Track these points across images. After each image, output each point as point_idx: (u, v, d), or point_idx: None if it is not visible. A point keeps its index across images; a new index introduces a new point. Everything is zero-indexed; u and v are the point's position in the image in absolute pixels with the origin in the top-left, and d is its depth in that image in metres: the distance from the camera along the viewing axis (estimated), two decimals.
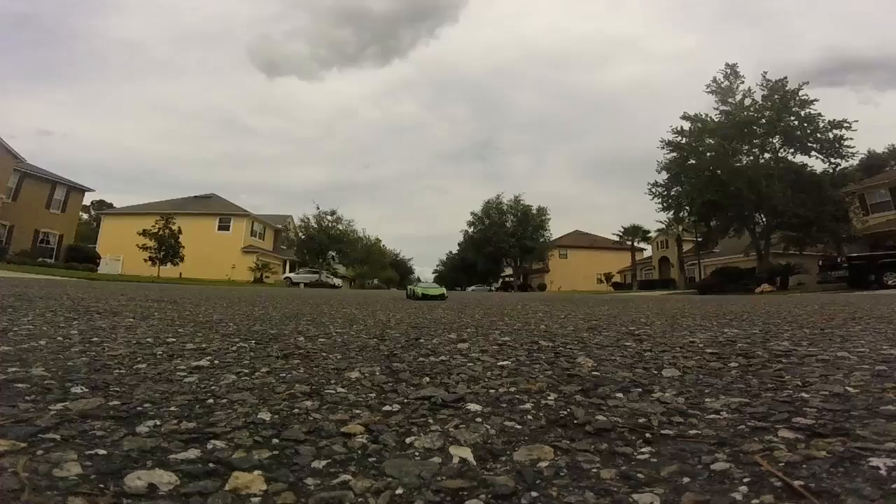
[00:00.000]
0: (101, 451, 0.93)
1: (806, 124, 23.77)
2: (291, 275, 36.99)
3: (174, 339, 2.63)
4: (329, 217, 41.67)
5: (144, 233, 25.25)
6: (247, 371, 1.80)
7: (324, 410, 1.28)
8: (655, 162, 27.02)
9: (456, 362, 2.08)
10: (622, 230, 42.11)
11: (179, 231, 26.42)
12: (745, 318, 4.55)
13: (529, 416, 1.23)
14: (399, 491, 0.78)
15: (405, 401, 1.39)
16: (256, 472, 0.84)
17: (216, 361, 2.00)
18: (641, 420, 1.18)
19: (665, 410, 1.26)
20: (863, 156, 29.15)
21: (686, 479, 0.82)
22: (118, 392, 1.41)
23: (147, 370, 1.77)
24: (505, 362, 2.07)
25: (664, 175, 26.55)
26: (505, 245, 44.00)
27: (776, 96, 24.23)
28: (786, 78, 24.36)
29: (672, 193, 26.53)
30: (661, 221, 35.61)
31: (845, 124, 23.06)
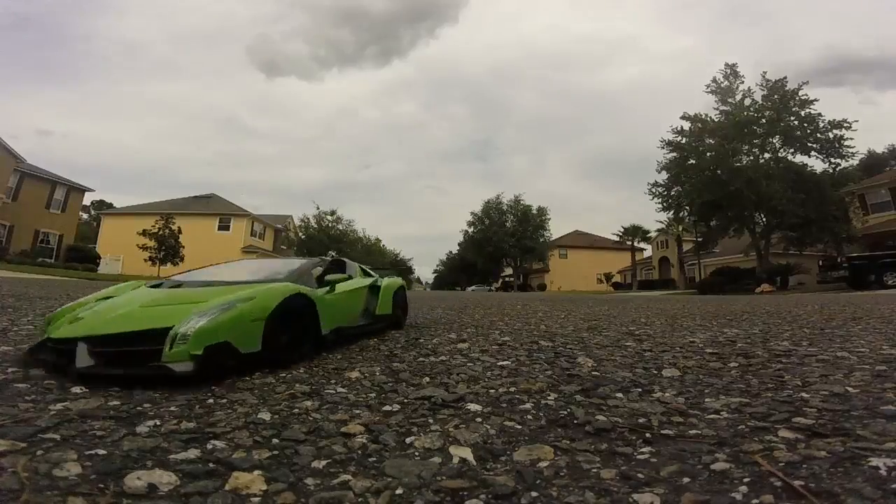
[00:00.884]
0: (101, 451, 0.93)
1: (806, 124, 23.77)
2: None
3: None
4: (329, 217, 41.69)
5: (144, 233, 25.25)
6: (247, 371, 1.80)
7: (324, 410, 1.28)
8: (655, 162, 27.04)
9: (456, 362, 2.08)
10: (622, 230, 42.15)
11: (179, 231, 26.43)
12: (745, 318, 4.55)
13: (529, 416, 1.23)
14: (399, 491, 0.78)
15: (405, 401, 1.39)
16: (256, 472, 0.84)
17: None
18: (641, 420, 1.18)
19: (665, 410, 1.26)
20: (863, 156, 29.15)
21: (686, 479, 0.82)
22: (118, 392, 1.42)
23: (147, 370, 1.76)
24: (505, 362, 2.07)
25: (664, 175, 26.56)
26: (505, 245, 44.01)
27: (776, 96, 24.24)
28: (785, 78, 24.38)
29: (672, 193, 26.54)
30: (661, 221, 35.63)
31: (845, 124, 23.08)
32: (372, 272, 3.71)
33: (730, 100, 26.01)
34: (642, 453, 0.95)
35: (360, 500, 0.76)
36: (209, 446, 0.98)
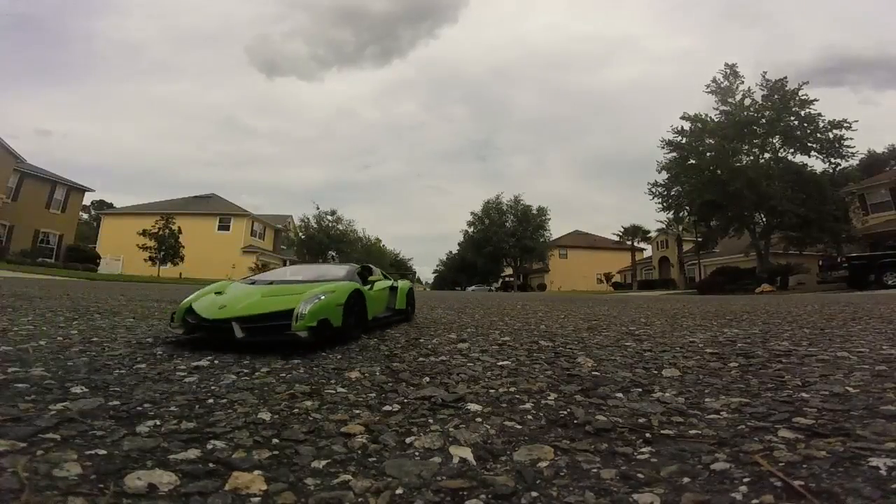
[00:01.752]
0: (101, 451, 0.93)
1: (806, 124, 23.77)
2: None
3: (174, 339, 2.63)
4: (329, 217, 41.75)
5: (144, 233, 25.27)
6: (247, 371, 1.80)
7: (324, 410, 1.28)
8: (655, 162, 27.04)
9: (456, 362, 2.08)
10: (622, 230, 42.19)
11: (179, 231, 26.44)
12: (745, 318, 4.55)
13: (529, 416, 1.23)
14: (399, 491, 0.78)
15: (405, 401, 1.39)
16: (256, 472, 0.84)
17: (216, 361, 2.00)
18: (641, 420, 1.18)
19: (665, 410, 1.26)
20: (863, 156, 29.16)
21: (686, 479, 0.82)
22: (118, 392, 1.42)
23: (147, 370, 1.77)
24: (505, 362, 2.07)
25: (664, 175, 26.58)
26: (505, 245, 44.05)
27: (776, 96, 24.24)
28: (785, 78, 24.38)
29: (672, 193, 26.54)
30: (661, 221, 35.64)
31: (845, 124, 23.08)
32: (388, 276, 4.57)
33: (730, 100, 26.01)
34: (642, 453, 0.95)
35: (360, 500, 0.75)
36: (209, 446, 0.98)
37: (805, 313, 5.07)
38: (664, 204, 27.40)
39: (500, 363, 2.05)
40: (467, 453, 0.96)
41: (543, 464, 0.90)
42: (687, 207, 27.13)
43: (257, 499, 0.75)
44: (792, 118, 24.32)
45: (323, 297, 2.57)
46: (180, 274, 26.73)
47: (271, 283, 3.17)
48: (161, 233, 25.81)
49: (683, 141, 26.30)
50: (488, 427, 1.13)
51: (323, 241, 39.75)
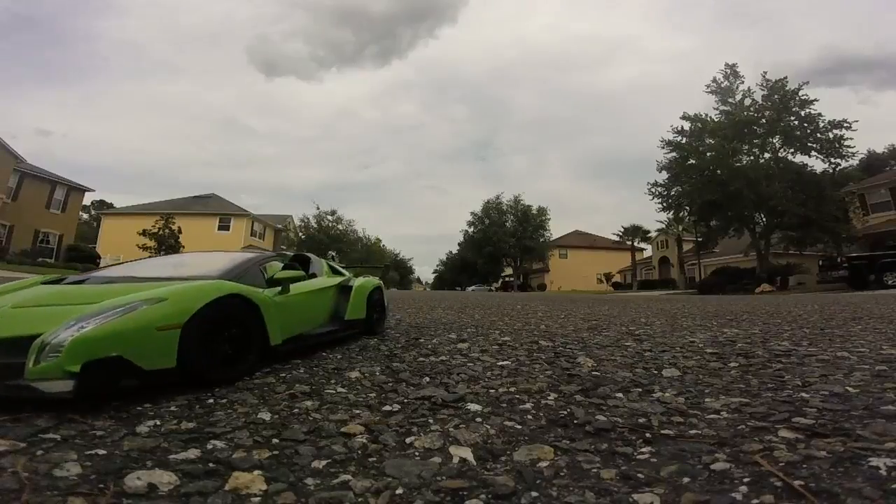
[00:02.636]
0: (101, 451, 0.93)
1: (806, 124, 23.77)
2: None
3: None
4: (329, 217, 41.78)
5: (144, 233, 25.27)
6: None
7: (324, 410, 1.28)
8: (655, 162, 27.05)
9: (456, 362, 2.08)
10: (622, 230, 42.20)
11: (179, 231, 26.43)
12: (745, 318, 4.55)
13: (529, 416, 1.23)
14: (399, 491, 0.78)
15: (405, 401, 1.39)
16: (256, 472, 0.84)
17: None
18: (641, 420, 1.18)
19: (665, 410, 1.26)
20: (863, 156, 29.16)
21: (686, 479, 0.82)
22: (118, 392, 1.41)
23: None
24: (505, 362, 2.07)
25: (664, 175, 26.60)
26: (505, 245, 44.04)
27: (776, 96, 24.25)
28: (785, 78, 24.39)
29: (672, 193, 26.54)
30: (661, 221, 35.63)
31: (845, 124, 23.09)
32: (343, 270, 3.31)
33: (730, 100, 26.02)
34: (642, 453, 0.95)
35: (360, 500, 0.75)
36: (209, 446, 0.98)
37: (805, 313, 5.07)
38: (664, 204, 27.41)
39: (500, 363, 2.05)
40: (467, 453, 0.96)
41: (543, 464, 0.90)
42: (687, 207, 27.15)
43: (257, 499, 0.75)
44: (792, 118, 24.33)
45: (125, 313, 1.43)
46: None
47: (82, 281, 2.07)
48: (161, 233, 25.81)
49: (683, 141, 26.30)
50: (488, 427, 1.13)
51: (323, 241, 39.76)
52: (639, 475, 0.84)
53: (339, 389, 1.53)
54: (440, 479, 0.83)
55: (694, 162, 25.73)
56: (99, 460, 0.89)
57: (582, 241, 51.85)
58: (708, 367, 1.90)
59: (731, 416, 1.19)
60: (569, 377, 1.74)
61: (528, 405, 1.34)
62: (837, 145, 23.49)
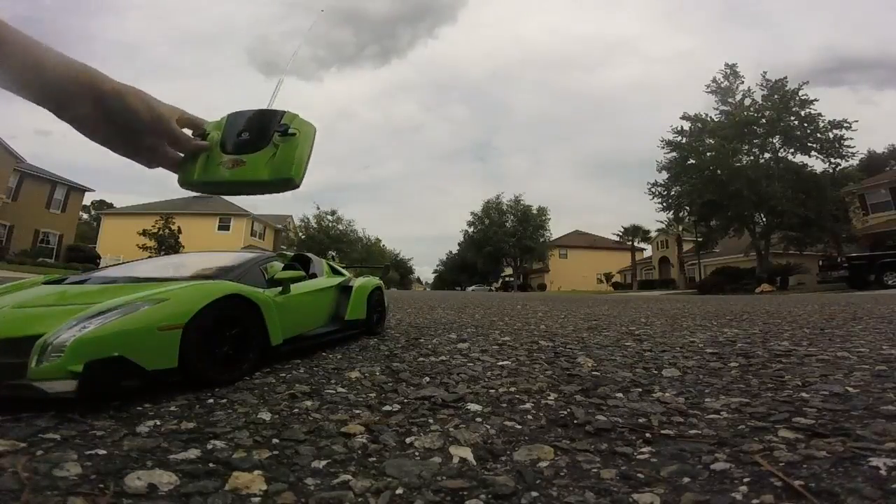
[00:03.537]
0: (101, 451, 0.93)
1: (806, 124, 23.82)
2: None
3: None
4: (329, 217, 41.86)
5: (144, 233, 25.29)
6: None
7: (324, 410, 1.28)
8: (655, 162, 27.10)
9: (456, 362, 2.08)
10: (622, 230, 42.27)
11: (179, 231, 26.46)
12: (745, 318, 4.55)
13: (529, 416, 1.23)
14: (399, 491, 0.78)
15: (405, 401, 1.39)
16: (256, 472, 0.84)
17: None
18: (641, 420, 1.18)
19: (665, 410, 1.26)
20: (863, 156, 29.20)
21: (686, 479, 0.82)
22: (120, 392, 1.41)
23: None
24: (505, 362, 2.07)
25: (664, 175, 26.65)
26: (505, 245, 44.11)
27: (776, 96, 24.29)
28: (785, 78, 24.43)
29: (672, 193, 26.60)
30: (661, 221, 35.66)
31: (845, 124, 23.12)
32: (343, 270, 3.27)
33: (730, 100, 26.06)
34: (642, 453, 0.95)
35: (360, 500, 0.75)
36: (209, 446, 0.98)
37: (805, 313, 5.07)
38: (664, 204, 27.44)
39: (501, 363, 2.05)
40: (467, 453, 0.96)
41: (543, 464, 0.90)
42: (687, 207, 27.17)
43: (257, 499, 0.75)
44: (792, 118, 24.35)
45: (126, 314, 1.43)
46: None
47: (83, 281, 2.04)
48: (161, 233, 25.82)
49: (683, 141, 26.33)
50: (488, 427, 1.13)
51: (323, 241, 39.78)
52: (639, 475, 0.84)
53: (339, 389, 1.54)
54: (440, 479, 0.83)
55: (694, 162, 25.75)
56: (99, 460, 0.89)
57: (582, 241, 51.88)
58: (708, 367, 1.90)
59: (731, 416, 1.19)
60: (569, 377, 1.74)
61: (528, 405, 1.34)
62: (837, 145, 23.51)
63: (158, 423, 1.14)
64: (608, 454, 0.95)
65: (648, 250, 46.25)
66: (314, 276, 2.77)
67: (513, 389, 1.53)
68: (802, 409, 1.24)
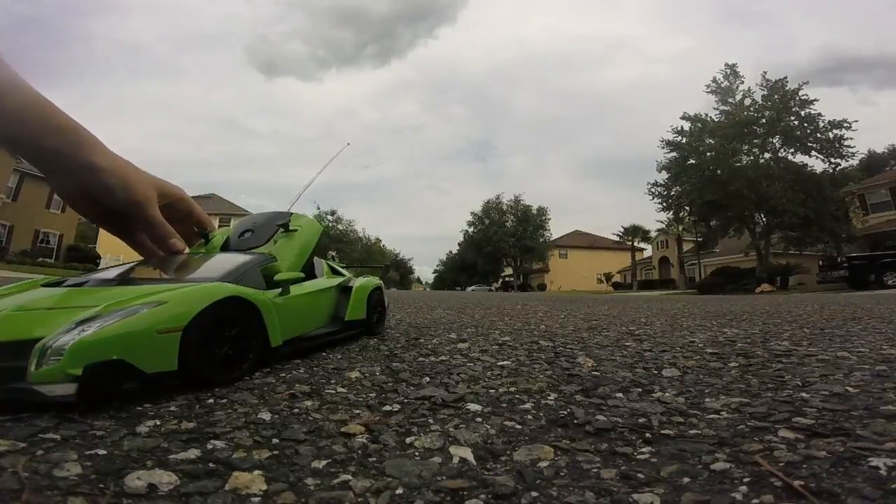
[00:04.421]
0: (101, 451, 0.93)
1: (806, 124, 23.82)
2: None
3: None
4: (329, 217, 41.87)
5: None
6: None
7: (324, 410, 1.28)
8: (655, 162, 27.10)
9: (456, 362, 2.08)
10: (622, 230, 42.25)
11: None
12: (745, 318, 4.55)
13: (529, 416, 1.23)
14: (399, 491, 0.78)
15: (405, 401, 1.39)
16: (256, 472, 0.84)
17: None
18: (641, 420, 1.18)
19: (665, 410, 1.26)
20: (863, 156, 29.18)
21: (686, 479, 0.82)
22: (120, 394, 1.41)
23: None
24: (505, 362, 2.07)
25: (664, 175, 26.66)
26: (505, 245, 44.10)
27: (776, 96, 24.29)
28: (785, 78, 24.43)
29: (672, 193, 26.60)
30: (661, 221, 35.64)
31: (845, 124, 23.14)
32: (343, 271, 3.20)
33: (730, 100, 26.08)
34: (642, 453, 0.95)
35: (360, 500, 0.75)
36: (209, 446, 0.98)
37: (805, 313, 5.07)
38: (664, 204, 27.47)
39: (501, 363, 2.05)
40: (467, 453, 0.95)
41: (543, 464, 0.90)
42: (687, 207, 27.19)
43: (257, 499, 0.75)
44: (792, 118, 24.38)
45: (125, 317, 1.36)
46: None
47: (82, 284, 1.96)
48: None
49: (683, 141, 26.34)
50: (488, 427, 1.13)
51: (323, 241, 39.82)
52: (639, 475, 0.84)
53: (339, 389, 1.53)
54: (440, 479, 0.83)
55: (694, 162, 25.74)
56: (99, 460, 0.89)
57: (582, 241, 51.84)
58: (708, 367, 1.90)
59: (731, 416, 1.19)
60: (569, 377, 1.74)
61: (528, 405, 1.34)
62: (837, 145, 23.52)
63: (158, 423, 1.14)
64: (608, 454, 0.95)
65: (648, 250, 46.23)
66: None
67: (513, 389, 1.53)
68: (802, 409, 1.24)
